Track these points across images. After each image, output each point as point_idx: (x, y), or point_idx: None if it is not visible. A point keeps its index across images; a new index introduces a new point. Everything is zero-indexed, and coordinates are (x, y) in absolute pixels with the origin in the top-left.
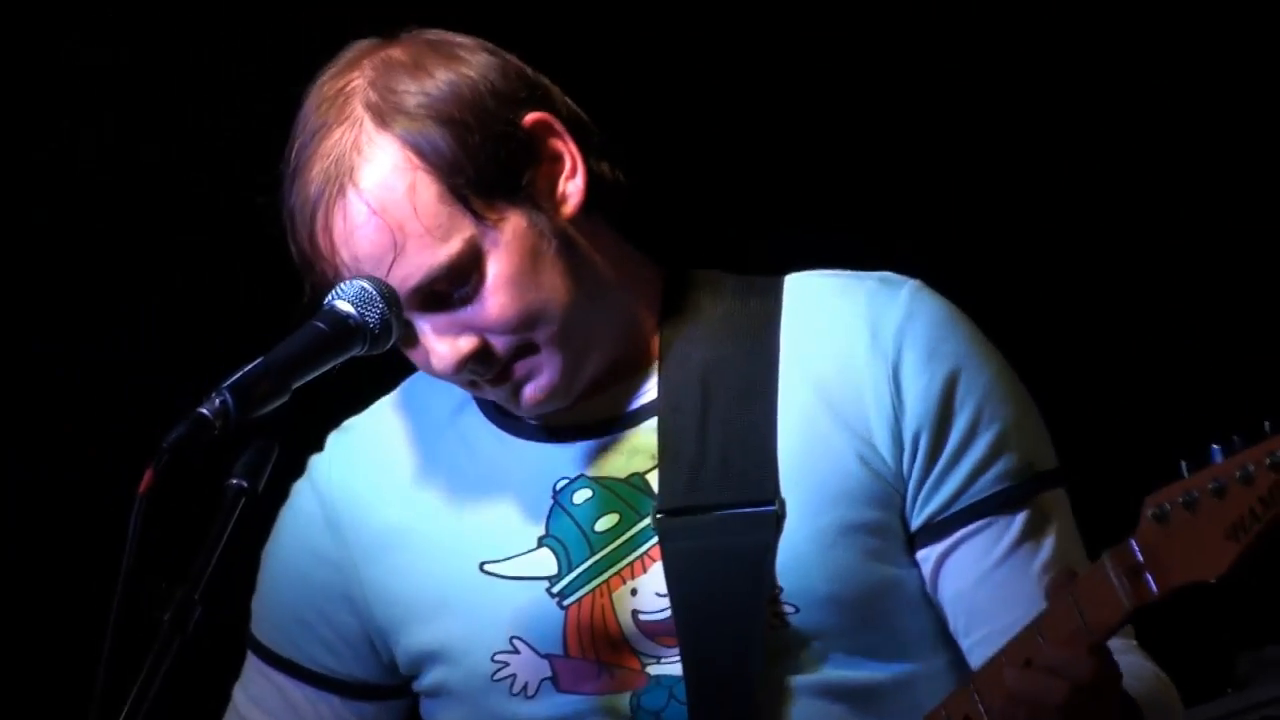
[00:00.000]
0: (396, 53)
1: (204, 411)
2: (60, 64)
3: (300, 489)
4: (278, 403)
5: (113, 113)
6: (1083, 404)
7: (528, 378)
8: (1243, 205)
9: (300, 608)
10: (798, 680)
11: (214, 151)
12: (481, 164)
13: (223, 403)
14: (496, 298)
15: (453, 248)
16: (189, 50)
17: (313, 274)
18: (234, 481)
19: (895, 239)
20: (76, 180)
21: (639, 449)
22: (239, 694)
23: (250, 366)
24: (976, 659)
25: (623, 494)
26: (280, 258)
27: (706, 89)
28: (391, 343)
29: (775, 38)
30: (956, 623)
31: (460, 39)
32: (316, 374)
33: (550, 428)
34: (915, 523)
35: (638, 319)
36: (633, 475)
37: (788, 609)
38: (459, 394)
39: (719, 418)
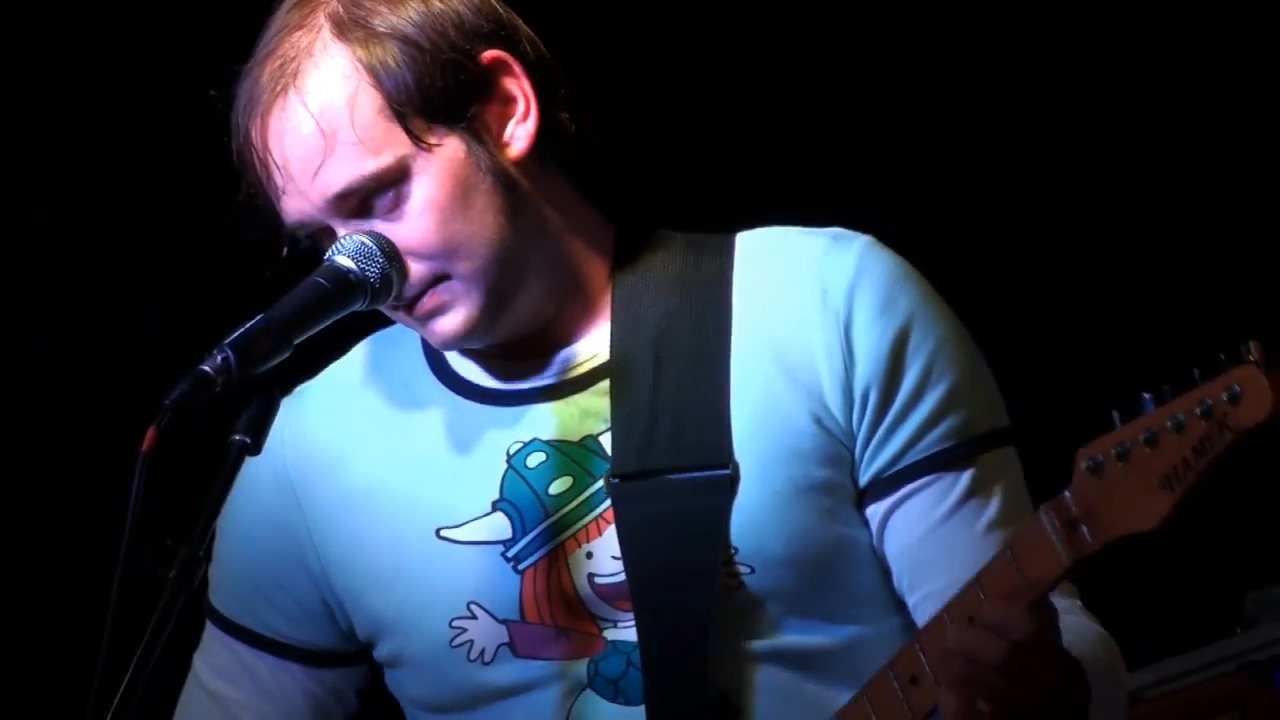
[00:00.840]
0: None
1: (205, 369)
2: (60, 64)
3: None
4: (279, 359)
5: (113, 113)
6: (1035, 362)
7: (438, 311)
8: (1187, 166)
9: (257, 576)
10: (753, 645)
11: (214, 151)
12: (427, 87)
13: (224, 359)
14: (419, 221)
15: (382, 161)
16: (189, 50)
17: (249, 174)
18: (236, 438)
19: (859, 198)
20: (76, 180)
21: (591, 411)
22: (199, 663)
23: (251, 323)
24: (921, 616)
25: (576, 457)
26: (278, 258)
27: (683, 53)
28: (392, 296)
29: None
30: (901, 580)
31: None
32: (317, 329)
33: (502, 391)
34: (863, 479)
35: (586, 272)
36: (586, 438)
37: (743, 569)
38: (413, 358)
39: (671, 380)
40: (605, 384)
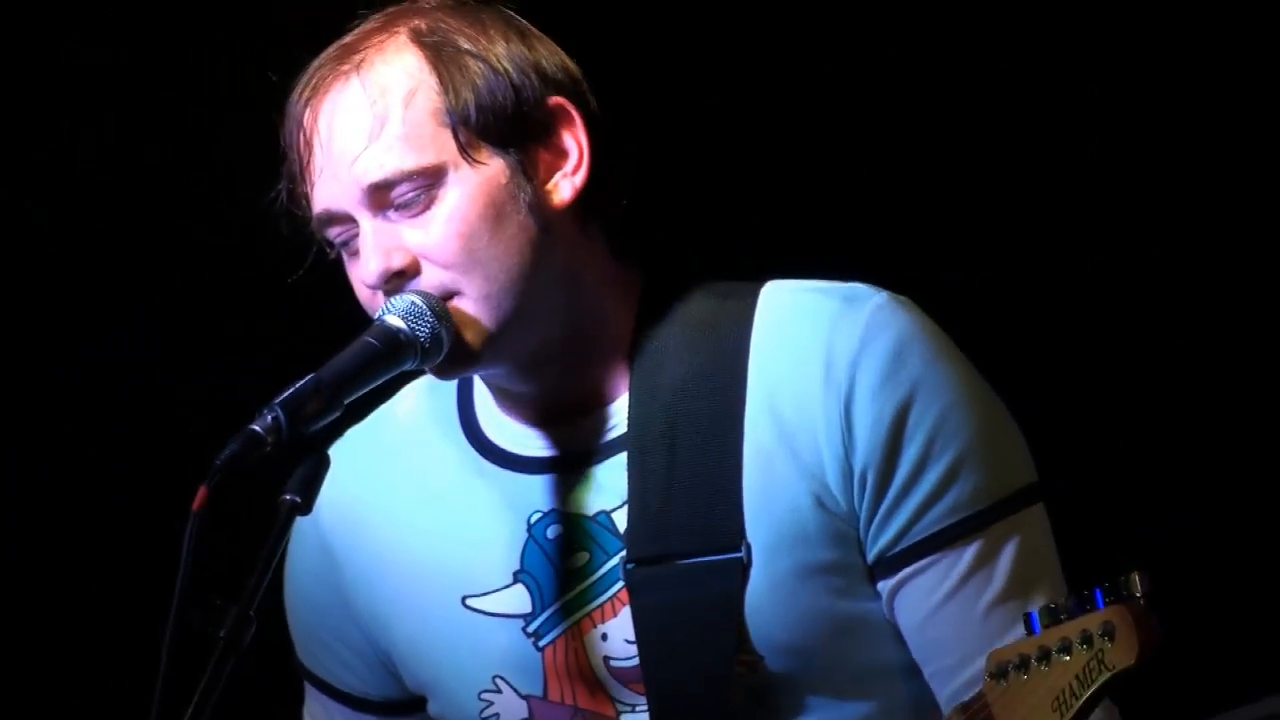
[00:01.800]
0: (483, 13)
1: (256, 428)
2: (60, 64)
3: None
4: (330, 418)
5: (113, 113)
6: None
7: None
8: (1235, 205)
9: (318, 631)
10: None
11: (214, 151)
12: (487, 107)
13: (275, 419)
14: (444, 226)
15: (423, 160)
16: (189, 50)
17: (291, 156)
18: (287, 498)
19: (888, 243)
20: (76, 180)
21: (606, 485)
22: (305, 715)
23: (302, 383)
24: (935, 689)
25: (591, 532)
26: (279, 260)
27: (704, 92)
28: (443, 356)
29: (773, 39)
30: (914, 653)
31: (539, 34)
32: (368, 389)
33: (524, 458)
34: (869, 557)
35: (607, 330)
36: (599, 513)
37: (756, 656)
38: (448, 413)
39: (686, 457)
40: (622, 457)
